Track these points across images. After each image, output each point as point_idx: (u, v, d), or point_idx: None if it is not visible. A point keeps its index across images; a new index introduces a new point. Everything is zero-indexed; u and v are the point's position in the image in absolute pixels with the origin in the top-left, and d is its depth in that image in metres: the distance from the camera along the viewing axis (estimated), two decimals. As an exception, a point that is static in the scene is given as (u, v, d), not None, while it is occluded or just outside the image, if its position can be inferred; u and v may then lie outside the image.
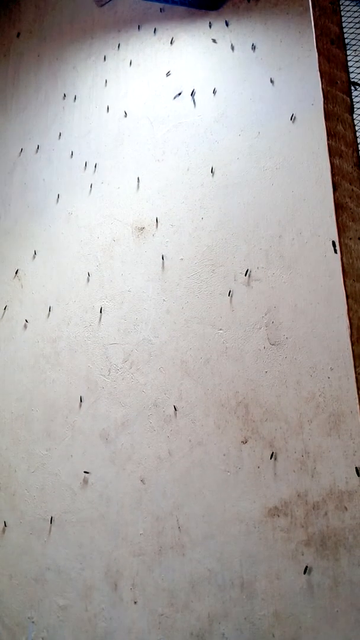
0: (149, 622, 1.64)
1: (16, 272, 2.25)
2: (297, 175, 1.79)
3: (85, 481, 1.86)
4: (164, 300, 1.90)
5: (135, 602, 1.68)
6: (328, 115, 0.97)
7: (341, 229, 0.98)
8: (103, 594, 1.74)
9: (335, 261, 1.64)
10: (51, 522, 1.89)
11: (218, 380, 1.74)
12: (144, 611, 1.65)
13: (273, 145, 1.86)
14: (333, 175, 0.94)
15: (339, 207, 0.96)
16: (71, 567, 1.82)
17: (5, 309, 2.23)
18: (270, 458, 1.60)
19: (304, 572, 1.47)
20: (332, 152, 0.94)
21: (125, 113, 2.22)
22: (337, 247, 1.00)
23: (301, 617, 1.46)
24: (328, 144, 0.94)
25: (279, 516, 1.54)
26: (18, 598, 1.90)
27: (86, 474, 1.87)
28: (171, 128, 2.09)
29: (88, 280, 2.07)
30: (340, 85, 0.96)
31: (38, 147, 2.40)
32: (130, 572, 1.71)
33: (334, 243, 1.59)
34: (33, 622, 1.84)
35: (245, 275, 1.78)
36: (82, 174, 2.23)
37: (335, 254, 1.61)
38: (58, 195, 2.26)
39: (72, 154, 2.29)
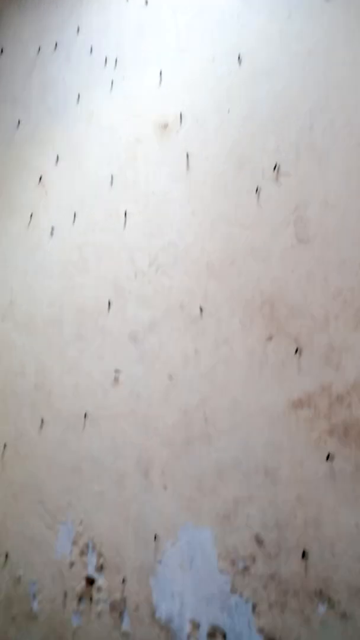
0: (178, 505, 1.75)
1: (40, 179, 2.23)
2: (331, 60, 1.66)
3: (116, 379, 1.94)
4: (188, 201, 1.86)
5: (165, 488, 1.79)
6: None
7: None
8: (135, 481, 1.85)
9: (368, 151, 1.56)
10: (85, 418, 1.99)
11: (244, 281, 1.73)
12: (173, 495, 1.77)
13: (305, 28, 1.72)
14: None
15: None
16: (105, 457, 1.93)
17: (31, 217, 2.23)
18: (295, 353, 1.61)
19: (326, 459, 1.52)
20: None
21: (146, 1, 2.08)
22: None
23: (323, 500, 1.53)
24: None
25: (302, 408, 1.58)
26: (57, 486, 2.05)
27: (117, 373, 1.94)
28: (195, 15, 1.95)
29: (111, 183, 2.03)
30: None
31: (56, 44, 2.29)
32: (160, 461, 1.81)
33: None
34: (71, 506, 1.99)
35: (274, 170, 1.71)
36: (102, 70, 2.13)
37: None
38: (78, 94, 2.18)
39: (91, 49, 2.18)
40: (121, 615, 1.77)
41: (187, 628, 1.62)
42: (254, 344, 1.68)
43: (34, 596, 2.02)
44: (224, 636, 1.55)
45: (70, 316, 2.08)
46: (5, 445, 2.19)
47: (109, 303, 1.99)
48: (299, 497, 1.56)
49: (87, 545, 1.94)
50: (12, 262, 2.26)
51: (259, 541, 1.59)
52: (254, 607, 1.53)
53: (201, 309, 1.79)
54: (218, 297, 1.77)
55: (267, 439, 1.63)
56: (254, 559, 1.59)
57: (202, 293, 1.80)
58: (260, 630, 1.49)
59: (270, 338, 1.66)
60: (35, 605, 2.01)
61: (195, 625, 1.61)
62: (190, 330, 1.81)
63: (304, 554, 1.52)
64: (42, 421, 2.10)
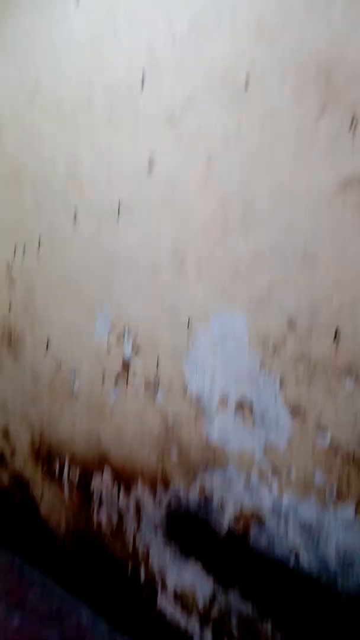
0: (212, 292, 1.76)
1: None
2: None
3: (151, 167, 1.82)
4: None
5: (199, 276, 1.78)
6: None
7: None
8: (169, 271, 1.84)
9: None
10: (119, 210, 1.93)
11: (298, 42, 1.50)
12: (208, 283, 1.76)
13: None
14: None
15: None
16: (139, 249, 1.91)
17: (53, -25, 1.93)
18: (350, 128, 1.44)
19: (371, 243, 1.45)
20: None
21: None
22: None
23: (361, 284, 1.49)
24: None
25: (352, 188, 1.46)
26: (93, 279, 2.07)
27: (151, 159, 1.82)
28: None
29: None
30: None
31: None
32: (195, 251, 1.77)
33: None
34: (108, 297, 2.03)
35: None
36: None
37: None
38: None
39: None
40: (155, 392, 1.90)
41: (217, 400, 1.73)
42: (304, 117, 1.51)
43: (75, 378, 2.18)
44: (251, 407, 1.65)
45: (101, 97, 1.90)
46: (39, 239, 2.18)
47: (143, 78, 1.79)
48: (337, 281, 1.52)
49: (122, 333, 2.02)
50: (35, 36, 2.02)
51: (291, 324, 1.60)
52: (281, 382, 1.59)
53: (247, 79, 1.59)
54: (267, 64, 1.55)
55: (309, 223, 1.54)
56: (284, 341, 1.62)
57: (249, 59, 1.58)
58: (286, 402, 1.57)
59: (323, 110, 1.48)
60: (76, 387, 2.18)
61: (224, 398, 1.71)
62: (233, 105, 1.63)
63: (335, 335, 1.53)
64: (75, 215, 2.05)
